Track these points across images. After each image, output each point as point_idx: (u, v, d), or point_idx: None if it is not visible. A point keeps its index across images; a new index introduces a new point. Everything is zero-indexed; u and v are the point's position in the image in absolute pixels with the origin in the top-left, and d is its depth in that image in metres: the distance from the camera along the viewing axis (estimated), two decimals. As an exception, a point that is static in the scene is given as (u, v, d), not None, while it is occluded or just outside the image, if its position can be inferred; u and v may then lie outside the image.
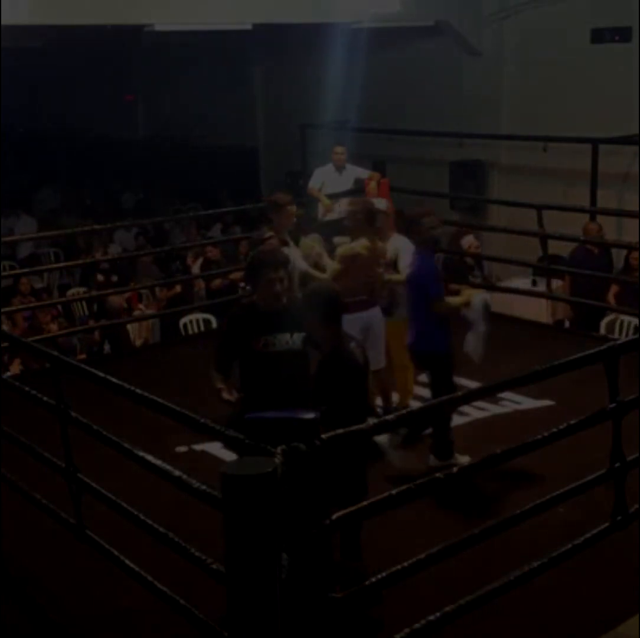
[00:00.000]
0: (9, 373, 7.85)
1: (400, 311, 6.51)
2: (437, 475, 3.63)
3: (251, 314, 4.66)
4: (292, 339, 4.57)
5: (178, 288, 10.59)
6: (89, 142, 19.30)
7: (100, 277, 10.78)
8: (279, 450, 2.98)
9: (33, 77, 18.05)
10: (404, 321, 6.34)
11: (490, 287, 10.13)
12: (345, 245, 6.36)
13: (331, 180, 9.42)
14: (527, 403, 6.74)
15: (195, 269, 11.05)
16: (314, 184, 9.48)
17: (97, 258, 10.78)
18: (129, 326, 9.36)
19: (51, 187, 17.53)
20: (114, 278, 10.83)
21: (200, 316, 9.19)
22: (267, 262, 4.69)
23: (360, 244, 6.24)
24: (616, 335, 8.11)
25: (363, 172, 9.52)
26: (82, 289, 10.64)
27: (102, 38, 13.99)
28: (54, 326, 9.07)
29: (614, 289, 8.81)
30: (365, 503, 3.49)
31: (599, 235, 9.03)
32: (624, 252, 9.51)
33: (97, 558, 4.41)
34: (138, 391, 3.90)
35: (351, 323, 5.46)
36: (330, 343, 4.20)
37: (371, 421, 3.73)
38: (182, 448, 6.06)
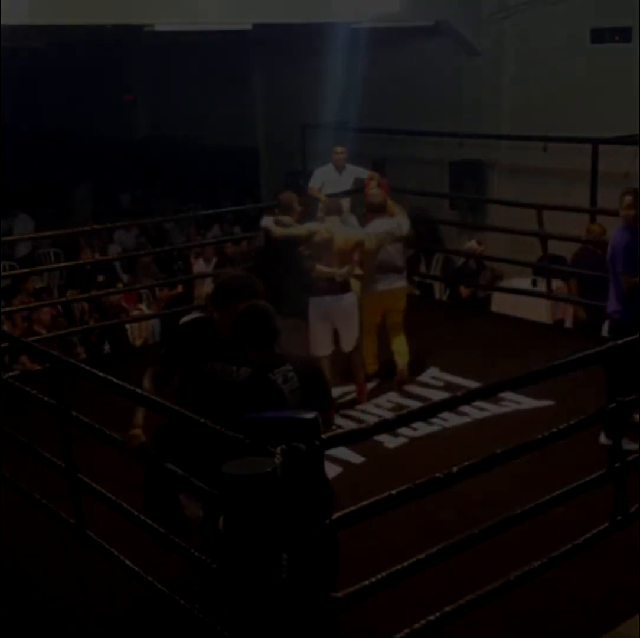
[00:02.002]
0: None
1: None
2: (437, 474, 3.63)
3: (206, 334, 4.19)
4: (237, 373, 4.12)
5: (180, 288, 10.58)
6: (89, 142, 19.29)
7: (100, 278, 10.80)
8: (278, 450, 2.98)
9: (33, 77, 18.04)
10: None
11: (491, 287, 10.15)
12: (312, 223, 7.12)
13: (331, 180, 9.42)
14: (527, 403, 6.74)
15: (198, 268, 11.03)
16: (314, 184, 9.48)
17: (85, 259, 10.79)
18: (128, 326, 9.35)
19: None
20: (100, 278, 10.81)
21: (200, 316, 9.18)
22: (242, 288, 4.17)
23: (324, 226, 6.88)
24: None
25: (363, 172, 9.52)
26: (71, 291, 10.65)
27: (102, 38, 13.98)
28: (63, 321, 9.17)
29: None
30: (365, 503, 3.49)
31: (601, 237, 8.97)
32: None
33: (97, 558, 4.41)
34: (138, 391, 3.90)
35: (314, 305, 6.63)
36: (256, 365, 3.88)
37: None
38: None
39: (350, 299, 6.82)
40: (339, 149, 9.52)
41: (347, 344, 6.84)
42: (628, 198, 6.37)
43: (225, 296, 4.07)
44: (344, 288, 6.78)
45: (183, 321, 4.55)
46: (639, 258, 6.15)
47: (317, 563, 3.26)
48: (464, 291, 10.42)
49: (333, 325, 6.76)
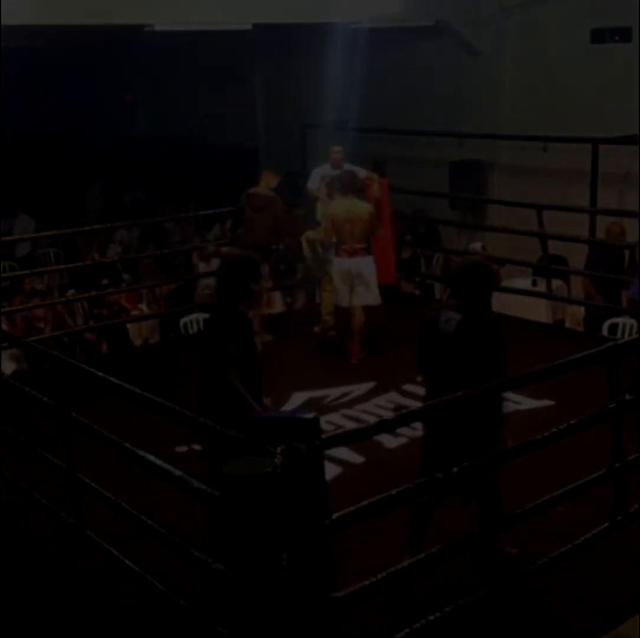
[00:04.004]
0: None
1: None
2: (437, 474, 3.63)
3: (245, 319, 4.55)
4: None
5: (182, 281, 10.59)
6: (89, 142, 19.29)
7: (104, 281, 10.78)
8: (279, 450, 2.98)
9: (33, 77, 18.04)
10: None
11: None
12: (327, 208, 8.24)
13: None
14: (527, 403, 6.74)
15: (202, 267, 11.01)
16: (312, 184, 9.48)
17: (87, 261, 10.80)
18: (128, 326, 9.35)
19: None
20: (105, 281, 10.80)
21: (200, 316, 9.18)
22: (258, 262, 4.66)
23: (337, 205, 7.98)
24: (618, 337, 8.07)
25: (360, 171, 9.50)
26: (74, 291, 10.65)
27: (102, 38, 13.97)
28: (70, 321, 9.18)
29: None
30: (365, 503, 3.49)
31: (621, 237, 8.92)
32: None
33: (97, 559, 4.41)
34: (138, 391, 3.90)
35: (339, 265, 7.93)
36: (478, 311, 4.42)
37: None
38: (182, 448, 6.06)
39: (365, 261, 7.93)
40: (336, 148, 9.51)
41: (361, 298, 7.96)
42: None
43: (255, 269, 4.57)
44: (362, 252, 7.89)
45: (215, 319, 4.71)
46: None
47: (317, 563, 3.26)
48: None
49: (351, 281, 7.91)
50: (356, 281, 7.94)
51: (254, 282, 4.53)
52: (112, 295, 9.60)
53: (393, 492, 3.50)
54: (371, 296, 8.00)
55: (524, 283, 9.86)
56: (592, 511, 4.52)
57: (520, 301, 9.38)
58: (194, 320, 9.15)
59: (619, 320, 8.23)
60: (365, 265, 7.95)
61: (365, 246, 7.97)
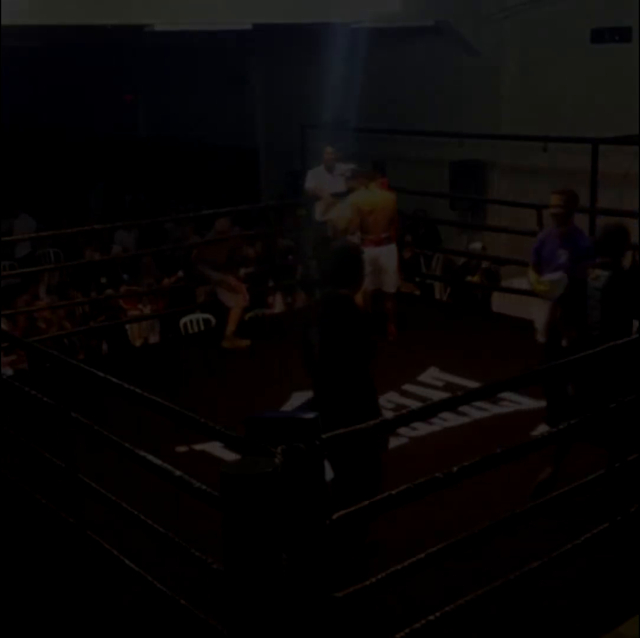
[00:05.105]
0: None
1: None
2: (437, 474, 3.63)
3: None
4: None
5: (180, 273, 10.57)
6: (89, 142, 19.29)
7: (103, 279, 10.79)
8: (279, 449, 2.98)
9: (33, 77, 18.04)
10: None
11: (491, 287, 10.15)
12: (353, 197, 8.53)
13: (324, 180, 9.45)
14: (527, 403, 6.74)
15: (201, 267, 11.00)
16: (309, 184, 9.54)
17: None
18: (127, 326, 9.35)
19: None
20: (104, 280, 10.81)
21: (200, 316, 9.19)
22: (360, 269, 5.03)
23: (361, 196, 8.35)
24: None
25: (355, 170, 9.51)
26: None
27: (103, 38, 13.97)
28: (67, 324, 9.16)
29: None
30: (365, 502, 3.49)
31: None
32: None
33: (97, 559, 4.41)
34: (138, 391, 3.90)
35: (368, 255, 7.47)
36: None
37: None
38: (182, 448, 6.07)
39: (390, 249, 8.44)
40: (329, 149, 9.61)
41: (387, 285, 8.48)
42: (554, 197, 6.78)
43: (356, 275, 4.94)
44: (387, 241, 8.36)
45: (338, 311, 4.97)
46: (551, 256, 6.43)
47: (317, 563, 3.26)
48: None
49: (377, 268, 8.24)
50: (382, 270, 8.36)
51: (362, 272, 5.03)
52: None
53: (393, 492, 3.50)
54: (393, 283, 8.55)
55: (524, 283, 9.84)
56: (592, 511, 4.52)
57: (520, 301, 9.38)
58: (194, 320, 9.16)
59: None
60: (390, 253, 8.46)
61: (388, 234, 8.39)
